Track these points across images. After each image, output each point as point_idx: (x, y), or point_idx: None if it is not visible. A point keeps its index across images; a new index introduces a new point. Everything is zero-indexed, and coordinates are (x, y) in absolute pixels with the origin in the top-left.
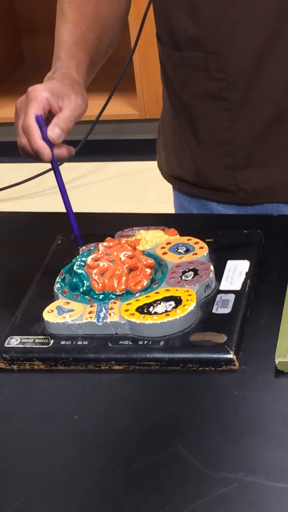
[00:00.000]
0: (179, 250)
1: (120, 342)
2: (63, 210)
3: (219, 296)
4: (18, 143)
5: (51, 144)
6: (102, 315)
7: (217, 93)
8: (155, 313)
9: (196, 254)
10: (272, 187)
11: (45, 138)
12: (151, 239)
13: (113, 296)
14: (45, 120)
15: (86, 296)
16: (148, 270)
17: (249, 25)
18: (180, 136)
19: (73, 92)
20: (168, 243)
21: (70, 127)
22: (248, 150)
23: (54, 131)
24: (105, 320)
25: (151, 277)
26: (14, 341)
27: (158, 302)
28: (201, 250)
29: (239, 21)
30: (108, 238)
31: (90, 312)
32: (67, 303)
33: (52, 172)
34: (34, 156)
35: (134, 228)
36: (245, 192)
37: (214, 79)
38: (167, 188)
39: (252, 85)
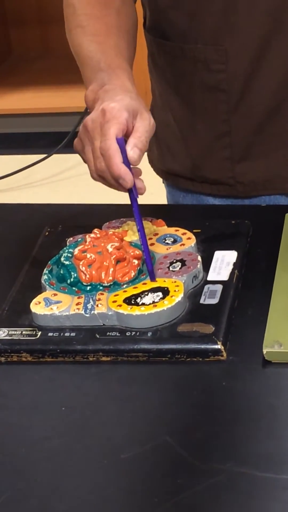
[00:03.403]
0: (167, 241)
1: (108, 333)
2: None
3: (206, 286)
4: (93, 166)
5: (131, 170)
6: (89, 306)
7: (215, 85)
8: (143, 304)
9: (183, 245)
10: (270, 179)
11: (125, 163)
12: None
13: (101, 288)
14: None
15: (74, 288)
16: (136, 261)
17: (250, 15)
18: (175, 130)
19: (144, 109)
20: (155, 234)
21: (146, 148)
22: (246, 142)
23: (135, 151)
24: (92, 312)
25: (138, 268)
26: (1, 333)
27: (146, 293)
28: (188, 240)
29: (240, 11)
30: (96, 229)
31: (77, 304)
32: (55, 294)
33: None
34: (112, 182)
35: (122, 219)
36: (242, 185)
37: (213, 71)
38: (156, 180)
39: (252, 77)
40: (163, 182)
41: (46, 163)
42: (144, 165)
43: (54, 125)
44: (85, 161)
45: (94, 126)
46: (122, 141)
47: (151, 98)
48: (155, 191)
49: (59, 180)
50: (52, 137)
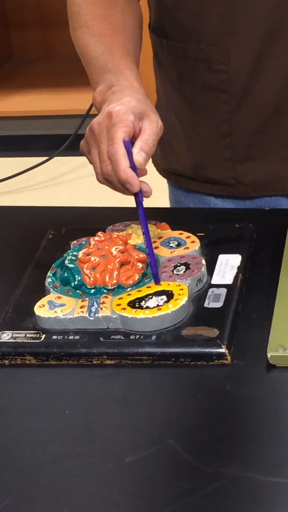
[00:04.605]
0: (171, 244)
1: (112, 336)
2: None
3: (210, 290)
4: (100, 170)
5: (137, 174)
6: (93, 309)
7: (217, 85)
8: (147, 307)
9: (187, 248)
10: (271, 179)
11: (131, 167)
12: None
13: (105, 291)
14: None
15: (78, 291)
16: (140, 265)
17: (252, 15)
18: (177, 130)
19: (151, 110)
20: (159, 237)
21: (153, 151)
22: (248, 142)
23: (141, 155)
24: (96, 315)
25: (142, 271)
26: (5, 336)
27: (150, 296)
28: (192, 244)
29: (242, 12)
30: (100, 232)
31: (81, 307)
32: (59, 297)
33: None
34: (118, 186)
35: (126, 222)
36: (244, 185)
37: (215, 71)
38: (158, 182)
39: (253, 77)
40: (167, 182)
41: (48, 166)
42: (147, 169)
43: (56, 127)
44: (91, 163)
45: (100, 129)
46: (129, 144)
47: (154, 98)
48: (157, 194)
49: (60, 183)
50: (53, 140)
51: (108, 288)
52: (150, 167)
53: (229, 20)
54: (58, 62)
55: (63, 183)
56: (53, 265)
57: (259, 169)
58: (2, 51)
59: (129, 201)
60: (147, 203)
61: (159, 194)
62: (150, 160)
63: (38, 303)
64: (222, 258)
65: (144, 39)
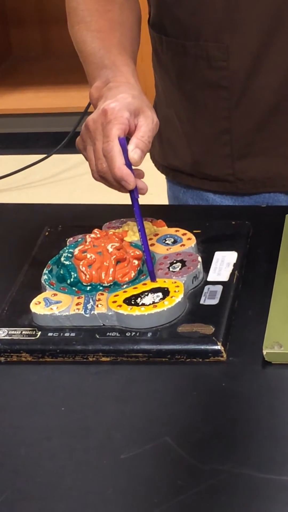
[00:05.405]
0: (167, 241)
1: (108, 333)
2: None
3: (206, 287)
4: (95, 167)
5: (132, 171)
6: (89, 306)
7: (217, 82)
8: (143, 304)
9: (183, 245)
10: (270, 176)
11: (127, 164)
12: None
13: (101, 288)
14: None
15: (74, 288)
16: (136, 262)
17: (252, 12)
18: (177, 126)
19: (147, 107)
20: (155, 235)
21: (149, 148)
22: (247, 139)
23: (136, 152)
24: (92, 312)
25: (138, 268)
26: (1, 333)
27: (146, 293)
28: (188, 241)
29: (241, 8)
30: (96, 229)
31: (77, 304)
32: (55, 294)
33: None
34: (113, 183)
35: (122, 219)
36: (243, 182)
37: (215, 68)
38: (156, 180)
39: (253, 74)
40: (166, 178)
41: (46, 163)
42: (145, 166)
43: (54, 125)
44: (87, 160)
45: (95, 127)
46: (124, 142)
47: (153, 95)
48: (154, 191)
49: (58, 180)
50: (51, 137)
51: (104, 285)
52: (149, 163)
53: (228, 17)
54: (57, 60)
55: (62, 180)
56: (49, 262)
57: (258, 166)
58: (1, 49)
59: (126, 199)
60: (145, 199)
61: (158, 191)
62: (148, 156)
63: (34, 300)
64: (218, 255)
65: (143, 36)
